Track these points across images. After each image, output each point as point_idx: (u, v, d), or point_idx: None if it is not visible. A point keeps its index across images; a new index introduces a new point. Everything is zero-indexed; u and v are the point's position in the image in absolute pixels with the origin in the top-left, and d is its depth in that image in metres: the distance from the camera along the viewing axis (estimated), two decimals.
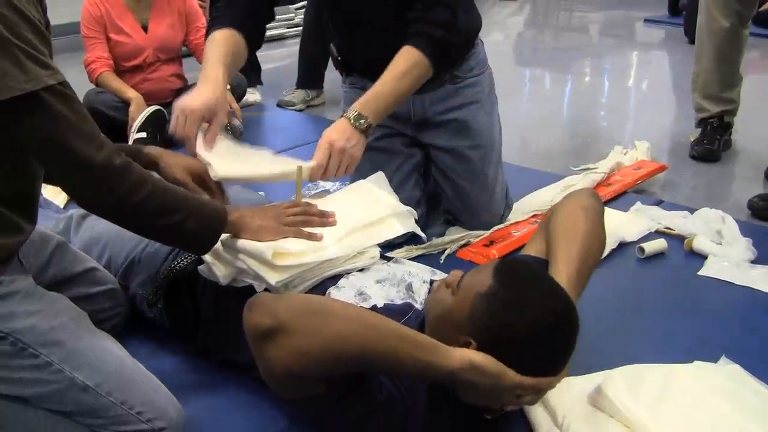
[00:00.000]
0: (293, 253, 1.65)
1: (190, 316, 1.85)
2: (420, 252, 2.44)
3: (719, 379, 1.68)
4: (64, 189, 1.48)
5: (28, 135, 1.36)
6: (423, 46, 2.06)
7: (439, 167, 2.53)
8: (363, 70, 2.46)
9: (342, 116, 2.00)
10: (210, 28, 2.16)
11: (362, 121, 1.99)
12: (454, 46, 2.15)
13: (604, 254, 2.34)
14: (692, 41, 6.05)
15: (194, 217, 1.57)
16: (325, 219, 1.77)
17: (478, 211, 2.55)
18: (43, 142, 1.38)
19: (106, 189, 1.44)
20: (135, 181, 1.47)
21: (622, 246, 2.47)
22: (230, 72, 2.11)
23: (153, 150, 1.92)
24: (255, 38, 2.27)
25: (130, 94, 3.52)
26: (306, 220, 1.74)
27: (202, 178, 1.90)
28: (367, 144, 2.47)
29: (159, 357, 1.92)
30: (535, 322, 1.35)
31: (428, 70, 2.09)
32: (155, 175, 1.62)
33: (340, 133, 1.96)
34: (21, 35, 1.31)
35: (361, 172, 2.32)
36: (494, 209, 2.59)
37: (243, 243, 1.66)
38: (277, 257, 1.62)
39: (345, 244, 1.74)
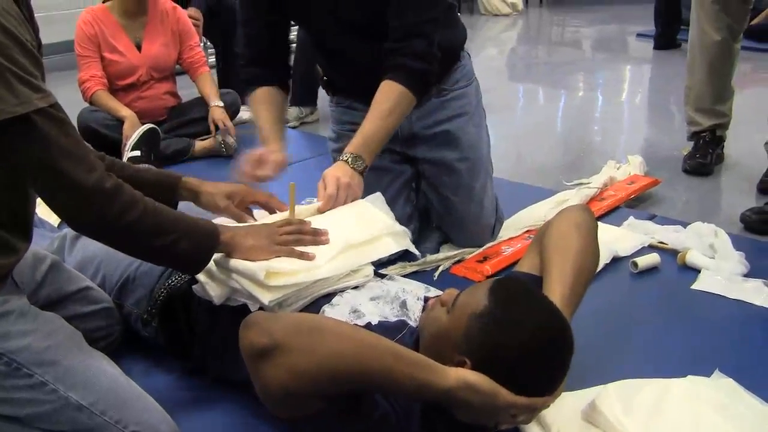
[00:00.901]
0: (286, 272, 1.65)
1: (185, 334, 1.85)
2: (414, 269, 2.44)
3: (712, 394, 1.69)
4: (54, 210, 1.48)
5: (18, 157, 1.37)
6: (403, 79, 2.10)
7: (429, 180, 2.55)
8: (348, 91, 2.51)
9: (340, 160, 2.02)
10: (246, 87, 2.32)
11: (359, 162, 2.02)
12: (433, 74, 2.18)
13: (598, 269, 2.36)
14: (658, 48, 6.14)
15: (186, 238, 1.57)
16: (317, 237, 1.77)
17: (466, 223, 2.56)
18: (33, 164, 1.38)
19: (95, 211, 1.45)
20: (126, 202, 1.47)
21: (616, 261, 2.47)
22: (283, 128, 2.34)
23: (191, 182, 1.93)
24: (287, 79, 2.40)
25: (124, 112, 3.53)
26: (298, 239, 1.74)
27: (243, 202, 1.93)
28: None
29: (154, 375, 1.92)
30: (530, 343, 1.36)
31: (411, 100, 2.13)
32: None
33: (342, 171, 1.98)
34: (13, 58, 1.32)
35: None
36: (483, 222, 2.58)
37: (236, 263, 1.66)
38: (269, 277, 1.62)
39: (339, 263, 1.74)
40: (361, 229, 1.86)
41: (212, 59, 4.47)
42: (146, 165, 1.92)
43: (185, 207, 1.91)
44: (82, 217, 1.48)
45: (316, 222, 1.84)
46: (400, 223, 1.95)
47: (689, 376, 1.78)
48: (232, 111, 3.92)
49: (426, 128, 2.46)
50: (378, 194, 2.03)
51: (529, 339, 1.36)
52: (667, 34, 6.37)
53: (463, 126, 2.48)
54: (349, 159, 2.01)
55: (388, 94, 2.10)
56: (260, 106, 2.29)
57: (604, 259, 2.41)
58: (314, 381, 1.28)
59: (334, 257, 1.74)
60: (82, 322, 1.78)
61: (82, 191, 1.41)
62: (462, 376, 1.34)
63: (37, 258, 1.82)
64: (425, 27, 2.12)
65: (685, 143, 3.58)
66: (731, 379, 1.76)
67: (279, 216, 1.90)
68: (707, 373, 1.80)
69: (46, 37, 1.56)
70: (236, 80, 4.37)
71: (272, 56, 2.34)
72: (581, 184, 3.11)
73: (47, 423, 1.49)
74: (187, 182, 1.93)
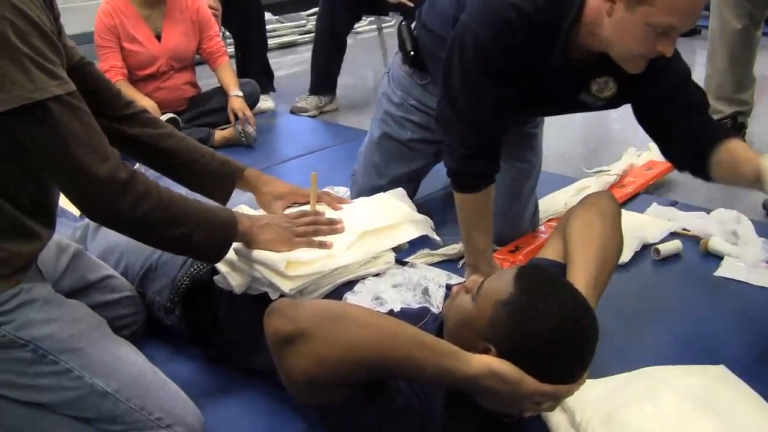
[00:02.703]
0: (305, 262, 1.66)
1: (208, 322, 1.86)
2: (440, 258, 2.42)
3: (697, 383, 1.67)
4: (68, 199, 1.48)
5: (33, 143, 1.37)
6: None
7: None
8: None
9: None
10: (468, 184, 2.07)
11: None
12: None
13: (628, 257, 2.35)
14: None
15: (202, 229, 1.57)
16: (333, 227, 1.77)
17: (506, 219, 2.45)
18: (47, 151, 1.38)
19: (108, 202, 1.44)
20: (140, 194, 1.46)
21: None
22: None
23: (252, 177, 1.92)
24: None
25: (145, 102, 3.52)
26: (316, 230, 1.74)
27: (294, 203, 1.92)
28: (402, 140, 2.44)
29: (177, 363, 1.93)
30: (556, 331, 1.35)
31: None
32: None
33: None
34: (31, 44, 1.31)
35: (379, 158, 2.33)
36: (523, 219, 2.55)
37: (257, 253, 1.66)
38: (290, 267, 1.63)
39: (358, 250, 1.75)
40: (380, 217, 1.86)
41: (231, 49, 4.46)
42: (211, 150, 1.90)
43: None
44: (95, 207, 1.47)
45: (337, 212, 1.85)
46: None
47: (679, 366, 1.77)
48: (251, 101, 3.92)
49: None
50: (400, 189, 2.03)
51: (554, 327, 1.35)
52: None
53: (539, 129, 2.49)
54: None
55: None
56: (483, 221, 2.10)
57: (633, 247, 2.41)
58: (338, 368, 1.28)
59: (353, 244, 1.75)
60: (106, 310, 1.79)
61: (95, 181, 1.40)
62: (487, 363, 1.34)
63: (61, 247, 1.83)
64: None
65: None
66: (722, 366, 1.75)
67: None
68: (730, 360, 1.79)
69: (64, 28, 1.56)
70: (255, 70, 4.38)
71: (498, 148, 2.06)
72: (601, 171, 3.09)
73: (72, 409, 1.51)
74: (249, 176, 1.91)
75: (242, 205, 1.91)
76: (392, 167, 2.10)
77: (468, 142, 1.99)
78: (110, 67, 3.55)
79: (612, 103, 2.04)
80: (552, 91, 2.00)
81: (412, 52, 2.45)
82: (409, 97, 2.52)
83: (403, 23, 2.49)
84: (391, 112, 2.56)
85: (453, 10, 2.04)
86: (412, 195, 1.93)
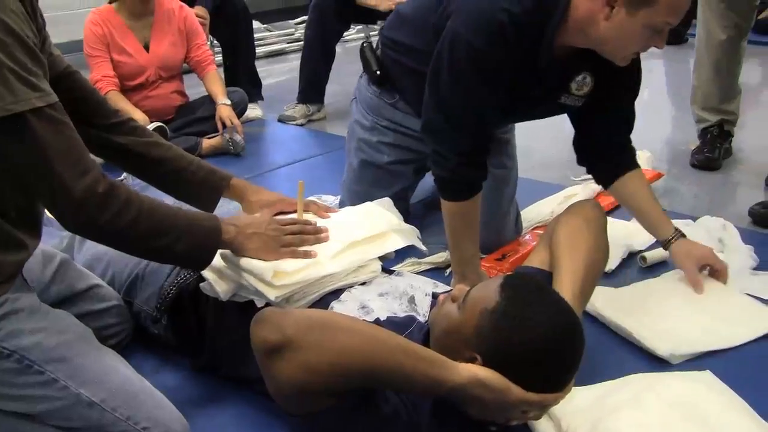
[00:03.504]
0: (291, 272, 1.66)
1: (195, 331, 1.86)
2: (427, 267, 2.42)
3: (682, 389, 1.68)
4: (48, 211, 1.48)
5: (12, 156, 1.37)
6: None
7: None
8: (414, 102, 2.33)
9: None
10: (457, 190, 2.08)
11: None
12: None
13: (615, 265, 2.36)
14: (669, 43, 6.07)
15: (186, 238, 1.57)
16: (318, 236, 1.77)
17: (488, 227, 2.40)
18: (26, 163, 1.38)
19: (87, 215, 1.44)
20: (119, 207, 1.46)
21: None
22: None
23: (239, 186, 1.92)
24: None
25: (137, 115, 3.49)
26: (302, 239, 1.74)
27: (281, 212, 1.91)
28: (380, 164, 2.45)
29: (164, 372, 1.92)
30: (542, 340, 1.36)
31: None
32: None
33: None
34: (12, 55, 1.31)
35: (361, 187, 2.33)
36: (505, 228, 2.55)
37: (244, 261, 1.66)
38: (276, 276, 1.63)
39: (344, 259, 1.75)
40: (367, 226, 1.87)
41: (219, 58, 4.46)
42: (198, 159, 1.90)
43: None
44: (74, 220, 1.47)
45: (323, 221, 1.85)
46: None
47: (665, 372, 1.80)
48: (239, 109, 3.92)
49: None
50: (386, 198, 2.03)
51: (541, 336, 1.36)
52: (679, 29, 6.34)
53: (510, 135, 2.50)
54: None
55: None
56: (470, 229, 2.12)
57: (619, 255, 2.41)
58: (325, 377, 1.29)
59: (340, 253, 1.75)
60: (93, 319, 1.79)
61: (73, 194, 1.40)
62: (473, 372, 1.34)
63: (47, 256, 1.83)
64: None
65: (693, 138, 3.57)
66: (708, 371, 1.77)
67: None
68: (717, 367, 1.80)
69: (52, 38, 1.56)
70: (243, 78, 4.38)
71: (486, 155, 2.08)
72: (588, 179, 3.09)
73: (60, 420, 1.50)
74: (235, 186, 1.91)
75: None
76: (376, 194, 2.11)
77: (460, 149, 2.00)
78: (102, 77, 3.54)
79: (591, 102, 2.08)
80: (534, 92, 2.01)
81: (378, 72, 2.45)
82: (380, 118, 2.50)
83: (365, 44, 2.49)
84: (364, 138, 2.56)
85: (434, 19, 2.04)
86: (403, 214, 1.95)
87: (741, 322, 2.02)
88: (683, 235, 2.19)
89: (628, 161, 2.22)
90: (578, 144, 2.25)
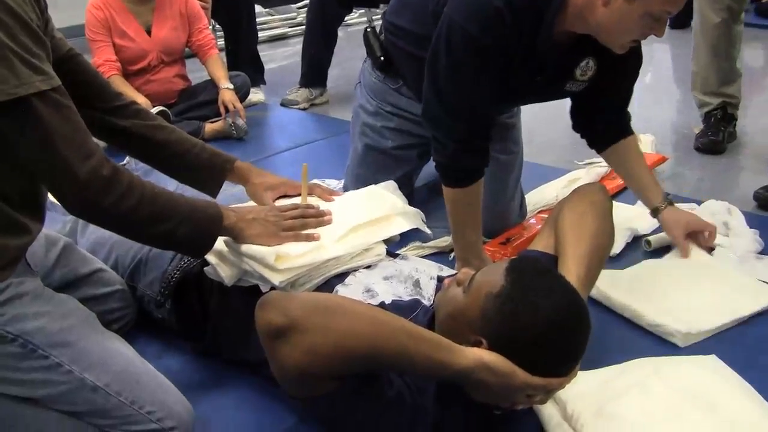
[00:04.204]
0: (294, 255, 1.65)
1: (198, 315, 1.86)
2: (431, 251, 2.42)
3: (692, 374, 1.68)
4: (52, 194, 1.48)
5: (16, 138, 1.36)
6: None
7: None
8: (416, 87, 2.29)
9: None
10: (460, 178, 2.06)
11: None
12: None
13: (619, 249, 2.36)
14: (674, 27, 6.04)
15: (187, 224, 1.56)
16: (320, 219, 1.77)
17: (492, 212, 2.41)
18: (30, 146, 1.38)
19: (90, 198, 1.43)
20: (123, 190, 1.46)
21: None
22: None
23: (242, 169, 1.91)
24: None
25: (140, 100, 3.48)
26: (303, 223, 1.73)
27: (286, 195, 1.91)
28: (384, 149, 2.44)
29: (167, 357, 1.92)
30: (547, 324, 1.35)
31: None
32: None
33: None
34: (16, 38, 1.31)
35: (365, 171, 2.32)
36: (509, 212, 2.54)
37: (246, 247, 1.66)
38: (279, 260, 1.63)
39: (348, 242, 1.74)
40: (371, 209, 1.86)
41: (221, 42, 4.45)
42: (202, 142, 1.89)
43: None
44: (77, 203, 1.46)
45: (327, 204, 1.84)
46: None
47: (671, 357, 1.80)
48: (241, 93, 3.91)
49: None
50: (391, 182, 2.02)
51: (546, 320, 1.35)
52: (684, 13, 6.30)
53: (516, 119, 2.49)
54: None
55: None
56: (472, 215, 2.10)
57: (624, 239, 2.41)
58: (330, 360, 1.28)
59: (344, 236, 1.74)
60: (96, 304, 1.79)
61: (77, 178, 1.40)
62: (478, 356, 1.34)
63: (50, 240, 1.83)
64: None
65: (697, 121, 3.56)
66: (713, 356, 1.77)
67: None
68: (722, 351, 1.79)
69: (53, 21, 1.55)
70: (245, 62, 4.37)
71: (487, 141, 2.06)
72: (592, 162, 3.09)
73: (64, 404, 1.50)
74: (239, 168, 1.90)
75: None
76: (380, 178, 2.10)
77: (457, 136, 1.99)
78: (104, 61, 3.53)
79: (593, 86, 2.08)
80: (536, 80, 2.00)
81: (381, 57, 2.44)
82: (384, 103, 2.50)
83: (368, 29, 2.48)
84: (368, 122, 2.55)
85: (433, 5, 2.02)
86: (407, 198, 1.95)
87: (744, 295, 2.06)
88: (671, 203, 2.23)
89: (624, 127, 2.26)
90: (575, 113, 2.28)
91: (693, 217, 2.23)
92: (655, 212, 2.24)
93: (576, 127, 2.29)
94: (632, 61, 2.11)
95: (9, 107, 1.31)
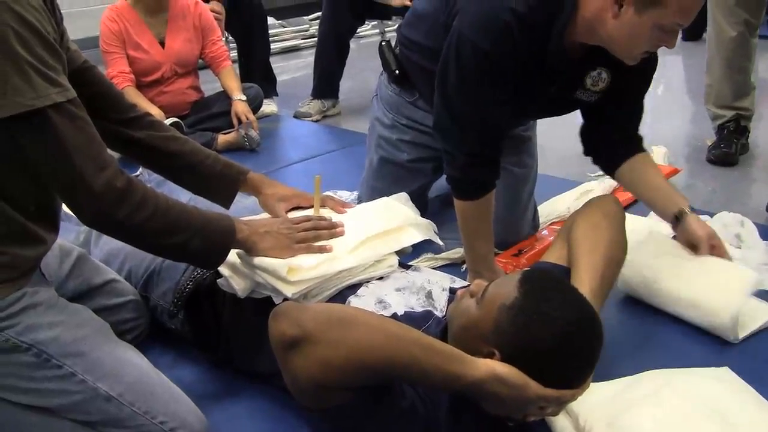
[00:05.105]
0: (307, 267, 1.66)
1: (212, 326, 1.86)
2: (443, 262, 2.42)
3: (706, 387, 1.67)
4: (66, 205, 1.49)
5: (32, 150, 1.37)
6: None
7: None
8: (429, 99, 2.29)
9: None
10: (470, 191, 2.07)
11: None
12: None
13: None
14: (687, 39, 6.02)
15: (199, 237, 1.57)
16: (333, 230, 1.77)
17: (504, 224, 2.40)
18: (45, 158, 1.39)
19: (105, 209, 1.44)
20: (137, 202, 1.46)
21: None
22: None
23: (255, 180, 1.91)
24: None
25: (153, 111, 3.50)
26: (316, 235, 1.73)
27: (298, 206, 1.91)
28: (400, 162, 2.44)
29: (180, 367, 1.93)
30: (560, 336, 1.35)
31: None
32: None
33: None
34: (32, 50, 1.32)
35: (380, 184, 2.32)
36: (522, 225, 2.54)
37: (258, 260, 1.66)
38: (291, 273, 1.63)
39: (360, 253, 1.74)
40: (384, 221, 1.86)
41: (234, 53, 4.47)
42: (215, 153, 1.90)
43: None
44: (92, 214, 1.47)
45: (340, 216, 1.85)
46: None
47: (683, 368, 1.77)
48: (254, 105, 3.93)
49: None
50: (403, 193, 2.03)
51: (559, 332, 1.35)
52: (697, 25, 6.29)
53: (532, 132, 2.49)
54: None
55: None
56: (484, 228, 2.11)
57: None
58: (343, 372, 1.28)
59: (356, 247, 1.75)
60: (110, 314, 1.79)
61: (92, 189, 1.40)
62: (491, 367, 1.34)
63: (64, 251, 1.83)
64: None
65: (710, 133, 3.55)
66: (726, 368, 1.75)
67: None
68: (735, 363, 1.78)
69: (68, 32, 1.56)
70: (258, 74, 4.38)
71: (498, 154, 2.06)
72: (604, 175, 3.08)
73: (77, 413, 1.50)
74: (252, 179, 1.91)
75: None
76: (395, 191, 2.10)
77: (468, 149, 1.99)
78: (118, 73, 3.56)
79: (606, 96, 2.06)
80: (549, 91, 1.99)
81: (397, 71, 2.45)
82: (400, 116, 2.51)
83: (383, 43, 2.49)
84: (384, 135, 2.56)
85: (444, 17, 2.03)
86: (421, 211, 1.96)
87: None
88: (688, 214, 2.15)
89: (637, 144, 2.19)
90: (585, 133, 2.24)
91: (710, 230, 2.18)
92: (679, 216, 2.11)
93: (588, 150, 2.25)
94: (647, 71, 2.09)
95: (25, 119, 1.32)
